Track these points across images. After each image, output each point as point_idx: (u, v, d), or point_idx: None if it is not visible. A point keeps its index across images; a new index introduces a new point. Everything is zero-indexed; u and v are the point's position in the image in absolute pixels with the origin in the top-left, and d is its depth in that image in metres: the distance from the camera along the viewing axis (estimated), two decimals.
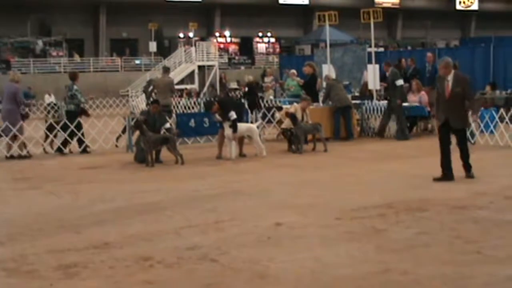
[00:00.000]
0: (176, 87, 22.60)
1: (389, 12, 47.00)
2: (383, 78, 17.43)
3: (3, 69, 36.95)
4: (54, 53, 40.49)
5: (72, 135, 14.60)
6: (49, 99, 29.60)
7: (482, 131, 14.72)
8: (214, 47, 37.33)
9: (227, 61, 43.70)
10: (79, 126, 14.67)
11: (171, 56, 36.77)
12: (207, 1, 46.05)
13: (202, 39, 41.29)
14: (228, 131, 12.96)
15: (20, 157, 14.00)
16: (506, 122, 14.40)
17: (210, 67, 35.54)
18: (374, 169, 11.41)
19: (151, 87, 18.42)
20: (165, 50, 42.60)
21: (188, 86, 32.50)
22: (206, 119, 15.64)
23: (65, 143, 14.64)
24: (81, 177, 11.42)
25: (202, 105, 22.64)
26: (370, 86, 18.28)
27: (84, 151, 14.71)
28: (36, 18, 41.28)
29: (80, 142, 14.75)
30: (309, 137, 14.49)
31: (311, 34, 43.43)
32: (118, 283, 5.56)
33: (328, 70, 19.30)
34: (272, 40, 49.77)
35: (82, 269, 5.94)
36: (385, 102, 16.63)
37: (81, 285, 5.57)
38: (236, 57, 46.09)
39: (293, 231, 7.15)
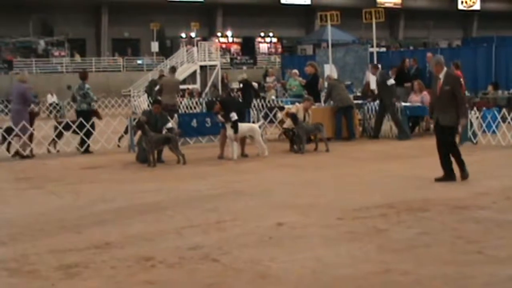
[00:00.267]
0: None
1: (391, 12, 47.02)
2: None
3: (5, 69, 37.02)
4: (56, 53, 40.56)
5: (88, 134, 14.74)
6: (51, 99, 29.68)
7: (484, 131, 14.70)
8: (216, 47, 37.35)
9: (229, 61, 43.72)
10: (93, 126, 14.85)
11: (173, 56, 36.80)
12: (209, 1, 46.07)
13: (204, 39, 41.33)
14: (230, 131, 12.97)
15: (22, 156, 14.01)
16: (508, 122, 14.39)
17: (212, 67, 35.56)
18: (376, 169, 11.40)
19: (157, 87, 18.46)
20: (167, 50, 42.64)
21: (190, 86, 32.51)
22: (208, 119, 15.67)
23: (82, 143, 14.76)
24: (83, 177, 11.43)
25: (204, 105, 22.65)
26: (372, 86, 18.28)
27: (87, 151, 14.74)
28: (38, 18, 41.35)
29: (83, 141, 14.80)
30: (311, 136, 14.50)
31: (313, 34, 43.45)
32: (119, 283, 5.56)
33: (330, 70, 19.35)
34: (274, 40, 49.79)
35: (83, 269, 5.94)
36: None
37: (82, 285, 5.57)
38: (238, 57, 46.11)
39: (295, 231, 7.15)
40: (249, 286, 5.45)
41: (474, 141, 14.30)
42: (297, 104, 15.34)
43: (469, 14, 57.93)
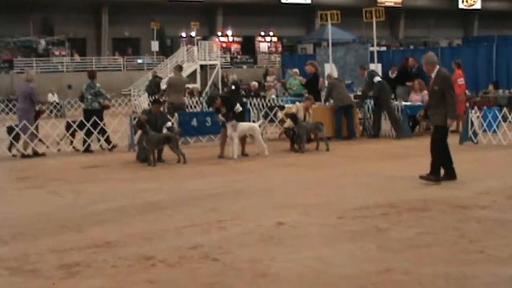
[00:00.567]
0: None
1: (391, 11, 46.94)
2: (385, 78, 17.42)
3: (6, 69, 37.02)
4: (57, 53, 40.54)
5: (102, 132, 14.84)
6: (52, 98, 29.72)
7: (485, 131, 14.70)
8: (216, 47, 37.33)
9: (229, 60, 43.71)
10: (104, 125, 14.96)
11: (173, 56, 36.78)
12: (209, 1, 46.02)
13: (204, 38, 41.29)
14: (230, 130, 12.95)
15: (23, 156, 14.03)
16: (509, 122, 14.39)
17: (212, 66, 35.54)
18: (376, 168, 11.40)
19: (165, 86, 18.35)
20: (167, 50, 42.62)
21: (190, 85, 32.49)
22: (208, 118, 15.65)
23: (97, 141, 14.90)
24: (83, 176, 11.43)
25: (204, 103, 22.63)
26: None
27: (87, 150, 14.74)
28: (38, 18, 41.33)
29: (84, 140, 14.79)
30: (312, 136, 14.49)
31: (313, 33, 43.44)
32: (120, 282, 5.56)
33: (330, 69, 19.34)
34: (274, 39, 49.72)
35: (84, 268, 5.94)
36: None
37: (84, 284, 5.57)
38: (238, 56, 46.07)
39: (295, 230, 7.14)
40: (249, 285, 5.44)
41: (475, 141, 14.29)
42: (297, 103, 15.33)
43: (469, 13, 57.86)
